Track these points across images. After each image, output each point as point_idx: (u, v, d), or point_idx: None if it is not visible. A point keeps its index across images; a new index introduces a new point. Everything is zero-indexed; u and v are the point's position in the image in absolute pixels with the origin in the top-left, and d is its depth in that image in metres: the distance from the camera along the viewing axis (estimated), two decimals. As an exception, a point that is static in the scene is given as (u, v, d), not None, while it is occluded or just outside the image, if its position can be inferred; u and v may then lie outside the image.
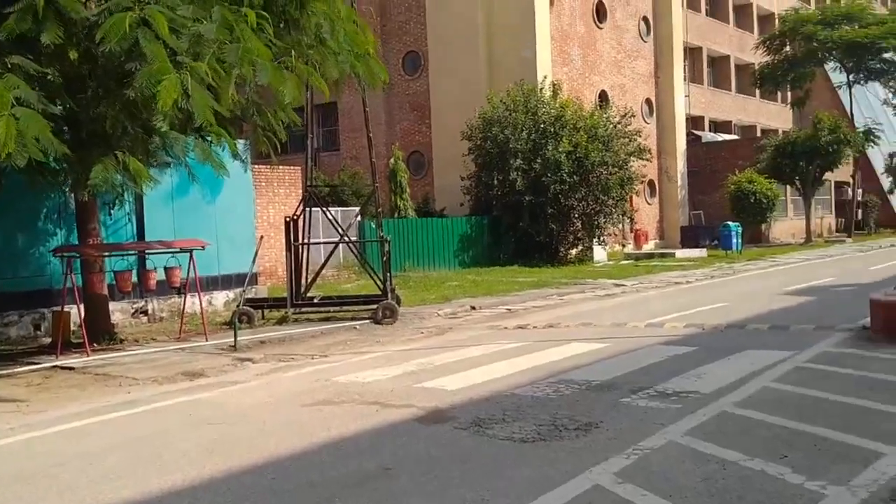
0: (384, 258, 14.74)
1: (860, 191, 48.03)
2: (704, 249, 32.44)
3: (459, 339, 11.96)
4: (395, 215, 26.49)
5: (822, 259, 28.02)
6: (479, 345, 11.20)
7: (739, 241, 30.56)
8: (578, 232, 28.13)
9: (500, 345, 11.08)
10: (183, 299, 13.62)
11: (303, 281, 14.98)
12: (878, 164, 53.58)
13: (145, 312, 14.93)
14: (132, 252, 13.29)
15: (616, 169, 27.68)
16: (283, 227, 15.06)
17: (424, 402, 7.47)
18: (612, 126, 28.20)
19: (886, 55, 41.28)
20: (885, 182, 52.94)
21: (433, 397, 7.70)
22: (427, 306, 16.11)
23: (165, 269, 12.81)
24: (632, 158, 28.53)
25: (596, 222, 27.97)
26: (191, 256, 12.51)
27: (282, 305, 14.50)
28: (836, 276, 20.02)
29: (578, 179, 26.71)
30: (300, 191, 19.55)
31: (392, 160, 27.62)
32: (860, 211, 49.31)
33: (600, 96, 34.78)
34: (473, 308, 15.99)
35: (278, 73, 8.35)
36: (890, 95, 45.52)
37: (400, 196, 27.01)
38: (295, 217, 14.86)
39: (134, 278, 13.40)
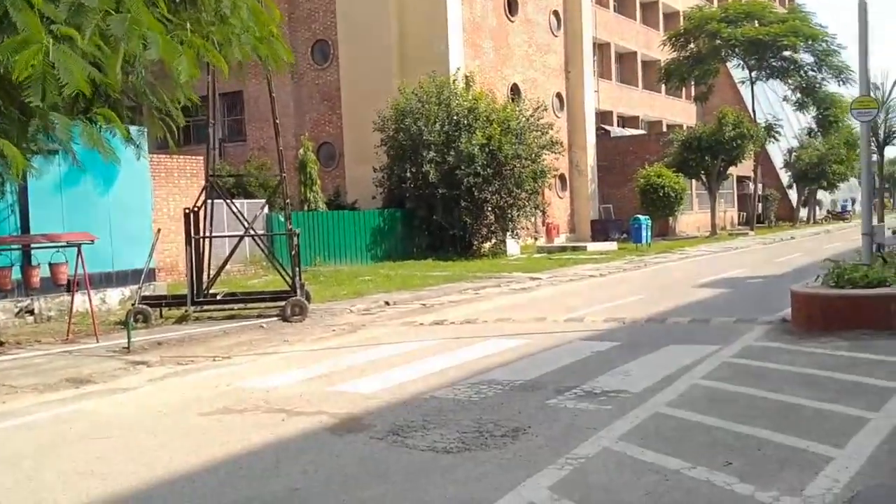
0: (293, 252, 13.96)
1: (761, 185, 49.53)
2: (615, 243, 32.67)
3: (374, 337, 11.36)
4: (305, 208, 25.63)
5: (728, 251, 28.50)
6: (395, 343, 10.63)
7: (649, 234, 30.89)
8: (492, 225, 27.87)
9: (416, 342, 10.53)
10: (71, 297, 12.55)
11: (205, 277, 14.07)
12: (777, 159, 55.44)
13: (31, 312, 13.75)
14: (13, 247, 12.16)
15: (529, 162, 27.52)
16: (184, 220, 14.11)
17: (337, 409, 6.85)
18: (524, 119, 28.03)
19: (786, 53, 42.56)
20: (784, 177, 54.81)
21: (347, 402, 7.08)
22: (339, 302, 15.43)
23: (50, 265, 11.77)
24: (544, 151, 28.43)
25: (509, 215, 27.74)
26: (79, 251, 11.51)
27: (182, 303, 13.56)
28: (746, 267, 20.24)
29: (492, 172, 26.42)
30: (203, 182, 18.53)
31: (302, 151, 26.72)
32: (760, 205, 50.88)
33: (512, 89, 34.61)
34: (387, 303, 15.40)
35: (171, 47, 7.52)
36: (789, 92, 47.00)
37: (310, 188, 26.14)
38: (195, 208, 13.93)
39: (17, 275, 12.30)
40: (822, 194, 59.61)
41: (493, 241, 28.37)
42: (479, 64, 32.70)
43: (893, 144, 13.76)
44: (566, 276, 20.00)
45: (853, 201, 70.26)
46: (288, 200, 15.15)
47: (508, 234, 28.46)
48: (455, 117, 26.80)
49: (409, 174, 26.18)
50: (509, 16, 34.79)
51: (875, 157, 30.60)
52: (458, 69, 28.72)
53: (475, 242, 27.70)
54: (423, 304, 15.19)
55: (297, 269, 13.83)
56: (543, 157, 28.49)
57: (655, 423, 5.98)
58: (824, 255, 25.04)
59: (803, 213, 55.16)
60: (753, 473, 4.71)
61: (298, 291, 13.59)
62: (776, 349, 8.64)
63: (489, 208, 27.18)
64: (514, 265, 23.79)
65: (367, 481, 4.96)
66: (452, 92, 27.43)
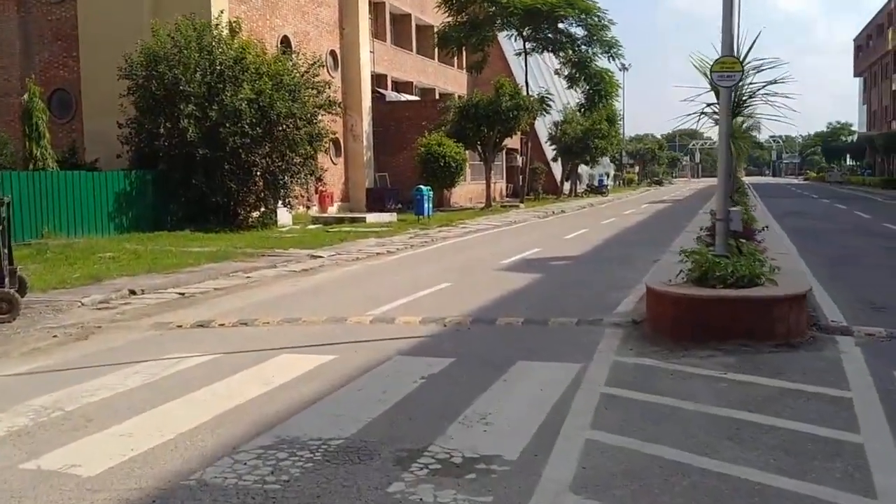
0: (0, 227, 10.36)
1: (526, 158, 49.74)
2: (393, 214, 30.70)
3: (111, 350, 8.30)
4: (31, 167, 21.05)
5: (510, 226, 27.46)
6: (141, 361, 7.68)
7: (430, 205, 29.18)
8: (261, 192, 24.82)
9: (172, 361, 7.64)
10: None
11: None
12: (543, 133, 56.25)
13: None
14: None
15: (304, 123, 24.71)
16: None
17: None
18: (299, 75, 25.10)
19: (562, 25, 42.55)
20: (549, 151, 55.70)
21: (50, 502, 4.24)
22: (68, 290, 11.96)
23: None
24: (321, 112, 25.72)
25: (281, 182, 24.82)
26: None
27: None
28: (541, 246, 18.89)
29: (262, 132, 23.35)
30: None
31: (27, 97, 21.95)
32: (522, 177, 51.08)
33: (283, 42, 31.36)
34: (133, 293, 12.16)
35: None
36: (560, 66, 47.31)
37: (37, 143, 21.47)
38: None
39: None
40: (582, 168, 61.52)
41: (263, 210, 25.34)
42: (246, 10, 29.13)
43: (743, 115, 12.77)
44: (351, 254, 17.58)
45: (608, 176, 73.80)
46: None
47: (280, 202, 25.52)
48: (219, 67, 23.37)
49: (162, 130, 22.40)
50: (280, -40, 31.43)
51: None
52: (222, 12, 25.13)
53: (241, 212, 24.54)
54: (182, 294, 12.13)
55: (7, 250, 10.28)
56: (320, 119, 25.81)
57: (573, 532, 3.77)
58: (607, 230, 24.99)
59: (566, 186, 56.48)
60: None
61: (6, 280, 10.08)
62: (654, 370, 6.78)
63: (258, 173, 24.13)
64: (289, 239, 21.01)
65: None
66: (215, 38, 23.91)
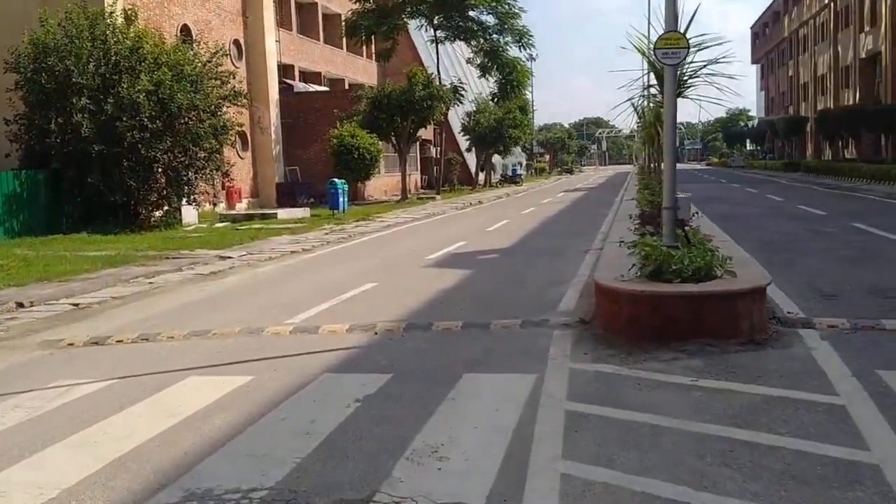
0: None
1: (440, 149, 49.02)
2: (306, 209, 29.48)
3: (-12, 378, 7.12)
4: None
5: (429, 219, 26.64)
6: (24, 391, 6.54)
7: (345, 199, 28.10)
8: (163, 190, 23.34)
9: (61, 390, 6.52)
10: None
11: None
12: (455, 123, 55.62)
13: None
14: None
15: (208, 115, 23.32)
16: None
17: None
18: (201, 65, 23.66)
19: (473, 13, 41.88)
20: (463, 141, 55.11)
21: None
22: (-59, 307, 10.56)
23: None
24: (225, 104, 24.34)
25: (185, 178, 23.39)
26: None
27: None
28: (465, 239, 18.11)
29: (163, 126, 21.91)
30: None
31: None
32: (436, 168, 50.40)
33: (183, 31, 29.71)
34: (21, 305, 10.85)
35: None
36: (472, 55, 46.64)
37: None
38: None
39: None
40: (496, 159, 61.20)
41: (167, 208, 23.86)
42: (142, -3, 27.48)
43: (685, 96, 12.14)
44: (264, 254, 16.45)
45: (521, 165, 73.80)
46: None
47: (185, 200, 24.06)
48: (114, 58, 21.81)
49: (54, 126, 20.75)
50: (175, -56, 29.74)
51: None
52: (116, 1, 23.49)
53: (143, 211, 23.06)
54: (76, 305, 10.87)
55: None
56: (225, 111, 24.43)
57: None
58: (529, 220, 24.30)
59: (481, 177, 56.01)
60: None
61: None
62: (617, 379, 6.04)
63: (160, 169, 22.70)
64: (196, 239, 19.68)
65: None
66: (109, 27, 22.30)
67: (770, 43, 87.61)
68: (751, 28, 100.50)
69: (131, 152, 21.44)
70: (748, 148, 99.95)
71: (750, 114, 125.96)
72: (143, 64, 22.06)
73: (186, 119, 22.59)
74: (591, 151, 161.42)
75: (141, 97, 21.14)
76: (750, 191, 37.13)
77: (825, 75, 62.30)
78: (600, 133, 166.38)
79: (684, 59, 8.04)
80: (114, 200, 21.79)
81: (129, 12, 23.41)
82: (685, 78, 9.88)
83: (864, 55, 51.91)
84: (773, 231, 16.63)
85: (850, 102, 54.10)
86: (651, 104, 20.56)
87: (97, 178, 21.33)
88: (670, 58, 7.99)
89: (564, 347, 7.05)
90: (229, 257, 15.95)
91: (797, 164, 56.83)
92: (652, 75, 9.25)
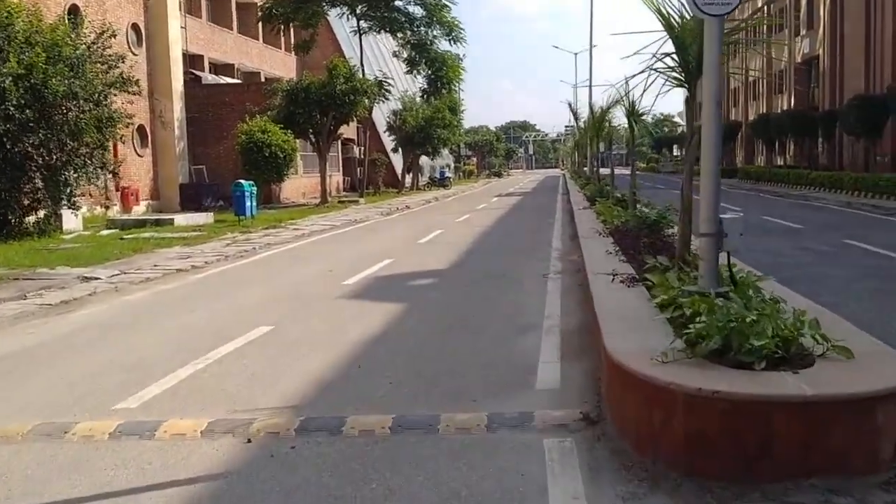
0: None
1: (364, 148, 45.88)
2: (210, 213, 25.98)
3: None
4: None
5: (350, 226, 23.52)
6: None
7: (254, 203, 24.70)
8: (38, 191, 19.65)
9: None
10: None
11: None
12: (381, 122, 52.50)
13: None
14: None
15: (92, 105, 19.72)
16: None
17: None
18: (85, 46, 20.05)
19: (399, 3, 38.89)
20: (389, 141, 52.02)
21: None
22: None
23: None
24: (113, 91, 20.75)
25: (64, 178, 19.75)
26: None
27: None
28: (392, 256, 15.06)
29: (34, 116, 18.27)
30: None
31: None
32: (362, 169, 47.31)
33: (71, 12, 25.85)
34: None
35: None
36: (398, 48, 43.49)
37: None
38: None
39: None
40: (423, 160, 58.31)
41: (44, 213, 20.20)
42: (20, -30, 23.61)
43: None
44: (141, 273, 13.13)
45: (449, 168, 71.09)
46: None
47: (64, 203, 20.37)
48: (-25, 36, 18.14)
49: None
50: (61, -89, 25.86)
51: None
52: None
53: (12, 217, 19.31)
54: None
55: None
56: (112, 100, 20.85)
57: None
58: (465, 230, 21.04)
59: (408, 179, 52.95)
60: None
61: None
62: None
63: (34, 167, 19.01)
64: (67, 252, 16.17)
65: None
66: (-32, 0, 18.58)
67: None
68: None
69: (-4, 147, 17.82)
70: (675, 154, 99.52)
71: (674, 119, 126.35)
72: (12, 45, 18.39)
73: (65, 108, 18.98)
74: (519, 155, 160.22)
75: (6, 82, 17.51)
76: (696, 198, 34.83)
77: (757, 80, 61.36)
78: (527, 136, 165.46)
79: (737, 6, 5.25)
80: (-27, 204, 18.13)
81: (-1, -16, 19.67)
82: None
83: (799, 59, 50.78)
84: (761, 250, 13.79)
85: (785, 108, 53.02)
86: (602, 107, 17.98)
87: (-48, 178, 17.66)
88: (717, 5, 5.19)
89: (574, 487, 4.08)
90: (96, 278, 12.57)
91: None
92: (668, 44, 6.48)
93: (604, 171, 36.39)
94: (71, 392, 6.16)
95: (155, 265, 14.19)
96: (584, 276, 9.31)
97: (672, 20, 6.46)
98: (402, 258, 14.72)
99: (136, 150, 30.04)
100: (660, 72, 6.84)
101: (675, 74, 6.81)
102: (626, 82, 13.45)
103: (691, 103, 7.08)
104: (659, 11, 6.41)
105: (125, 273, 13.19)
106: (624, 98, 13.46)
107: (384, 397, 5.72)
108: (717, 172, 5.53)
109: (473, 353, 7.07)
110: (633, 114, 13.51)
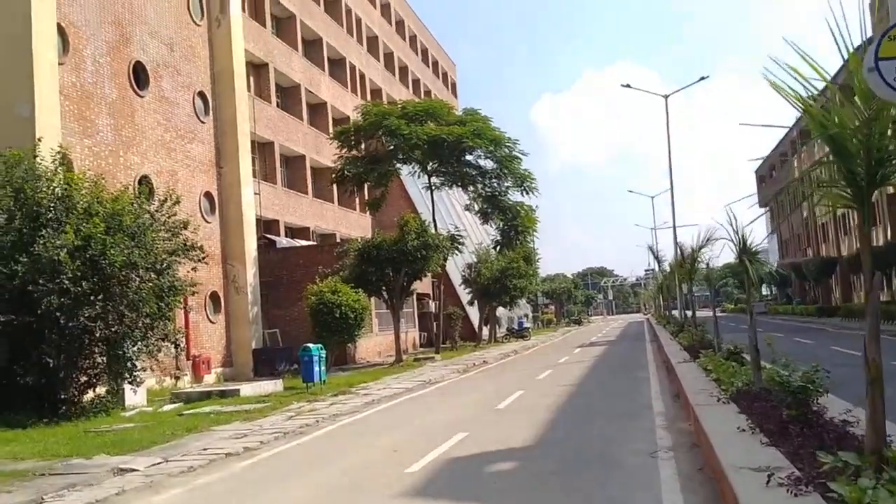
0: None
1: (438, 303, 44.77)
2: (280, 380, 24.69)
3: None
4: None
5: (425, 387, 21.87)
6: None
7: (323, 367, 23.37)
8: (98, 367, 18.68)
9: None
10: None
11: None
12: (455, 275, 51.66)
13: None
14: None
15: (153, 274, 18.96)
16: None
17: None
18: (148, 215, 19.52)
19: (469, 157, 38.64)
20: (464, 294, 50.95)
21: None
22: None
23: None
24: (176, 259, 20.03)
25: (120, 352, 18.76)
26: None
27: None
28: (466, 427, 13.26)
29: (91, 288, 17.51)
30: None
31: None
32: (435, 324, 46.01)
33: (142, 182, 25.95)
34: None
35: None
36: (470, 201, 43.01)
37: None
38: None
39: None
40: (500, 311, 56.86)
41: (106, 389, 19.19)
42: (92, 145, 23.98)
43: None
44: (187, 459, 11.67)
45: (527, 317, 69.39)
46: None
47: (126, 377, 19.23)
48: (36, 208, 17.79)
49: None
50: (137, 89, 26.52)
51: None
52: (41, 140, 19.63)
53: (64, 394, 18.25)
54: None
55: None
56: (177, 268, 20.11)
57: None
58: (549, 391, 18.82)
59: (485, 332, 51.34)
60: None
61: None
62: None
63: (92, 341, 18.08)
64: (115, 435, 14.91)
65: None
66: (33, 173, 18.34)
67: (779, 185, 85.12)
68: (755, 172, 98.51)
69: (48, 322, 17.02)
70: (764, 293, 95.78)
71: (759, 258, 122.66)
72: (70, 216, 17.99)
73: (124, 279, 18.24)
74: (598, 301, 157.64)
75: (62, 254, 16.93)
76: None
77: (846, 214, 58.82)
78: (605, 282, 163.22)
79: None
80: (25, 383, 17.18)
81: (62, 155, 19.61)
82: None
83: (892, 190, 48.37)
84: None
85: (881, 241, 50.17)
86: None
87: (5, 354, 16.84)
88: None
89: None
90: (133, 470, 11.13)
91: (834, 309, 52.12)
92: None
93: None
94: None
95: (204, 448, 12.74)
96: (706, 457, 7.35)
97: (823, 117, 4.80)
98: (477, 431, 12.86)
99: (208, 318, 29.41)
100: (821, 186, 5.14)
101: (838, 190, 5.08)
102: (731, 215, 11.78)
103: (864, 228, 5.33)
104: (801, 101, 4.76)
105: (167, 461, 11.73)
106: (733, 233, 11.68)
107: None
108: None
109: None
110: (745, 251, 11.74)
